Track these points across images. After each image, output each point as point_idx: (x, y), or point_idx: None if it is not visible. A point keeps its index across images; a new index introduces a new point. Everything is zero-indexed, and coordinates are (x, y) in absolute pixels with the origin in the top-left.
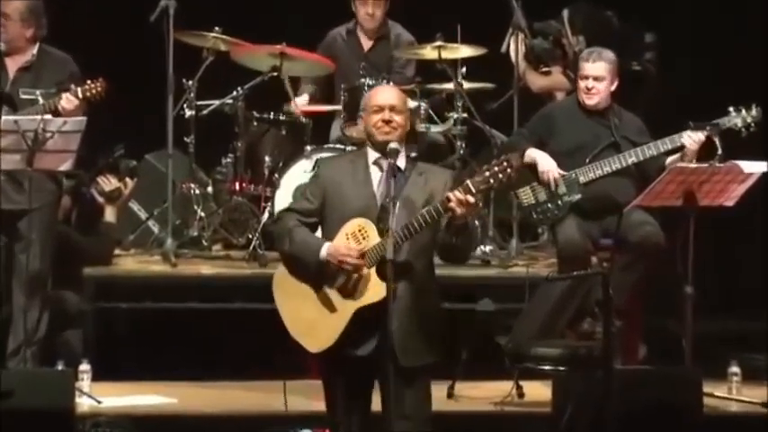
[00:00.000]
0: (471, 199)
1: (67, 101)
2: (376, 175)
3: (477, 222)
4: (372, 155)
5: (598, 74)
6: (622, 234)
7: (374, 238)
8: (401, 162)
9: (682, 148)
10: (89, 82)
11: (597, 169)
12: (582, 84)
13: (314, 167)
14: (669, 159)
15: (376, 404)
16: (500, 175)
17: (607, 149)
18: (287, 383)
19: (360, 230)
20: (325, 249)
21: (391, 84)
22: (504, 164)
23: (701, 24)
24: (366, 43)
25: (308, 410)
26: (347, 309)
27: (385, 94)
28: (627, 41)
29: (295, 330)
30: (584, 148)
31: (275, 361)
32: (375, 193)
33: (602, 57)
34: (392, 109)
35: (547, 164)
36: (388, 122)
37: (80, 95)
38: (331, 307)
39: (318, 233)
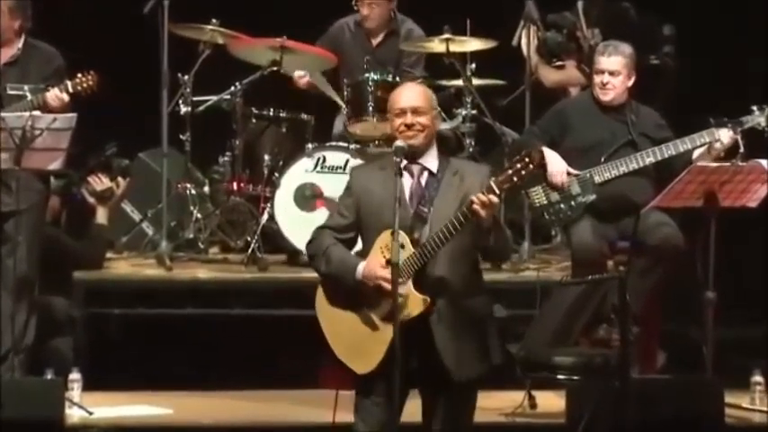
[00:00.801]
0: (495, 199)
1: (55, 97)
2: (407, 181)
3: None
4: (404, 160)
5: (614, 68)
6: (640, 236)
7: (409, 248)
8: (433, 163)
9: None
10: (80, 75)
11: (613, 169)
12: (597, 79)
13: (347, 172)
14: (696, 153)
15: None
16: (523, 172)
17: (623, 148)
18: (283, 393)
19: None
20: (360, 270)
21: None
22: (527, 159)
23: (701, 24)
24: (375, 38)
25: (320, 422)
26: (388, 326)
27: (406, 95)
28: (645, 34)
29: (342, 354)
30: (599, 146)
31: (284, 368)
32: (407, 200)
33: (618, 50)
34: (415, 111)
35: (557, 165)
36: (410, 126)
37: (71, 89)
38: (373, 326)
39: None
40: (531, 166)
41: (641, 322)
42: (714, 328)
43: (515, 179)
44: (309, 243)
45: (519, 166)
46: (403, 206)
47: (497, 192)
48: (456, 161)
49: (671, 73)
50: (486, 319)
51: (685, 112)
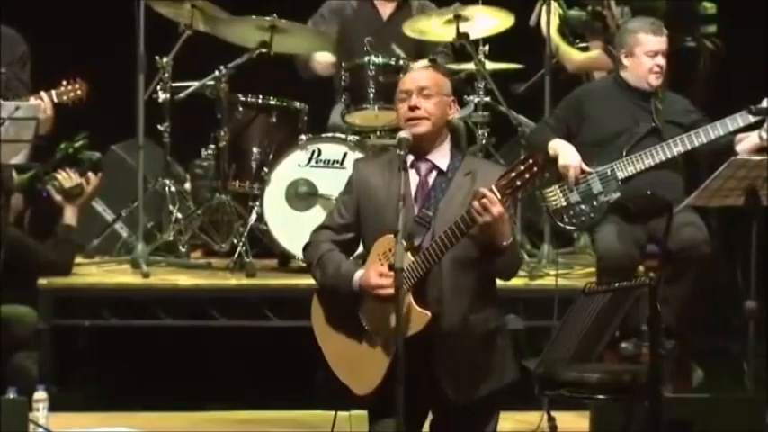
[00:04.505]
0: (493, 201)
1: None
2: (413, 179)
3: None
4: (410, 155)
5: (664, 48)
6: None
7: (409, 256)
8: (443, 161)
9: (737, 132)
10: (65, 83)
11: (637, 162)
12: (649, 63)
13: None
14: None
15: None
16: (526, 176)
17: (648, 137)
18: (274, 414)
19: (391, 250)
20: (357, 278)
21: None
22: (530, 162)
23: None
24: (384, 11)
25: None
26: (388, 343)
27: (413, 75)
28: (680, 12)
29: (341, 373)
30: (620, 136)
31: (275, 386)
32: (411, 201)
33: (663, 27)
34: (421, 92)
35: (569, 157)
36: (413, 109)
37: (55, 99)
38: (372, 342)
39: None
40: (534, 168)
41: (675, 335)
42: (756, 341)
43: (518, 183)
44: (306, 248)
45: (522, 168)
46: (406, 207)
47: (499, 196)
48: (471, 160)
49: (710, 57)
50: (497, 333)
51: (729, 103)
